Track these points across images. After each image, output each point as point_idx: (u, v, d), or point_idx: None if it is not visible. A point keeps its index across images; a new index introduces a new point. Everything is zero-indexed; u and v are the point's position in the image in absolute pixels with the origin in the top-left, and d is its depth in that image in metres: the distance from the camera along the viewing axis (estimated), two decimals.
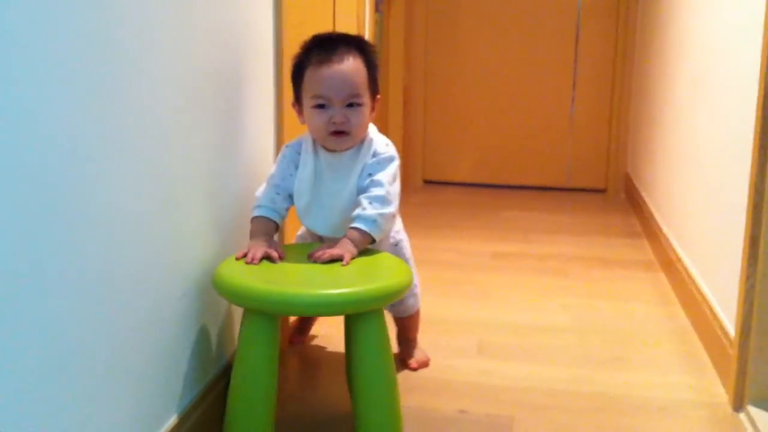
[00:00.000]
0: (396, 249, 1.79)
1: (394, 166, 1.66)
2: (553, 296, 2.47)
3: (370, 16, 3.15)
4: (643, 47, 3.71)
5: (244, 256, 1.53)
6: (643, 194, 3.40)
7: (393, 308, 1.86)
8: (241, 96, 1.69)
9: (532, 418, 1.70)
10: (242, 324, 1.48)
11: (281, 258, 1.55)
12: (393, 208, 1.62)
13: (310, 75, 1.61)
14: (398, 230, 1.82)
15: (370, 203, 1.59)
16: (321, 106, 1.60)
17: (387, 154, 1.65)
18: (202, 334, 1.55)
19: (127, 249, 1.20)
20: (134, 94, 1.19)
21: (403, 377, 1.87)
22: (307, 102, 1.62)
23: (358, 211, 1.59)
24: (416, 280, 1.86)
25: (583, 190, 4.09)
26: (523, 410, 1.73)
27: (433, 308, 2.23)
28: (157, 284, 1.33)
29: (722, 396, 1.80)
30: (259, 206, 1.65)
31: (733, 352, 1.75)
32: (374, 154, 1.64)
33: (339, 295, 1.42)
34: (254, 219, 1.64)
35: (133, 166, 1.20)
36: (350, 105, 1.60)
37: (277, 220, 1.65)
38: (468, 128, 4.12)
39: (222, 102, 1.58)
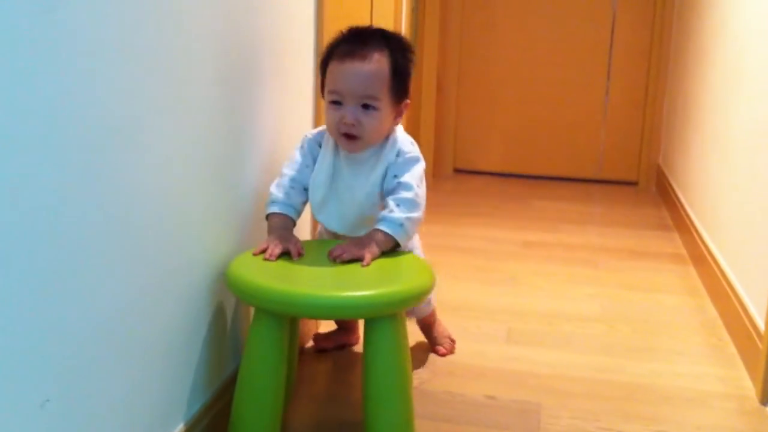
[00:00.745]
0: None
1: (420, 168, 1.58)
2: (582, 285, 2.48)
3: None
4: (679, 37, 3.68)
5: (262, 252, 1.47)
6: (675, 187, 3.39)
7: (408, 313, 1.79)
8: (273, 85, 1.65)
9: (559, 405, 1.72)
10: (252, 323, 1.42)
11: (300, 255, 1.48)
12: (421, 212, 1.55)
13: (332, 68, 1.53)
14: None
15: (398, 206, 1.51)
16: (336, 103, 1.52)
17: (412, 154, 1.57)
18: (212, 337, 1.46)
19: (132, 241, 1.13)
20: (161, 76, 1.17)
21: (432, 362, 1.90)
22: (326, 96, 1.55)
23: (384, 213, 1.52)
24: None
25: (614, 182, 4.07)
26: (550, 397, 1.75)
27: (462, 295, 2.25)
28: (162, 280, 1.24)
29: (750, 389, 1.80)
30: (273, 202, 1.57)
31: (762, 346, 1.76)
32: (399, 154, 1.57)
33: (352, 297, 1.34)
34: (270, 216, 1.57)
35: (140, 155, 1.13)
36: (365, 107, 1.51)
37: (294, 216, 1.58)
38: (499, 117, 4.12)
39: (253, 88, 1.55)
